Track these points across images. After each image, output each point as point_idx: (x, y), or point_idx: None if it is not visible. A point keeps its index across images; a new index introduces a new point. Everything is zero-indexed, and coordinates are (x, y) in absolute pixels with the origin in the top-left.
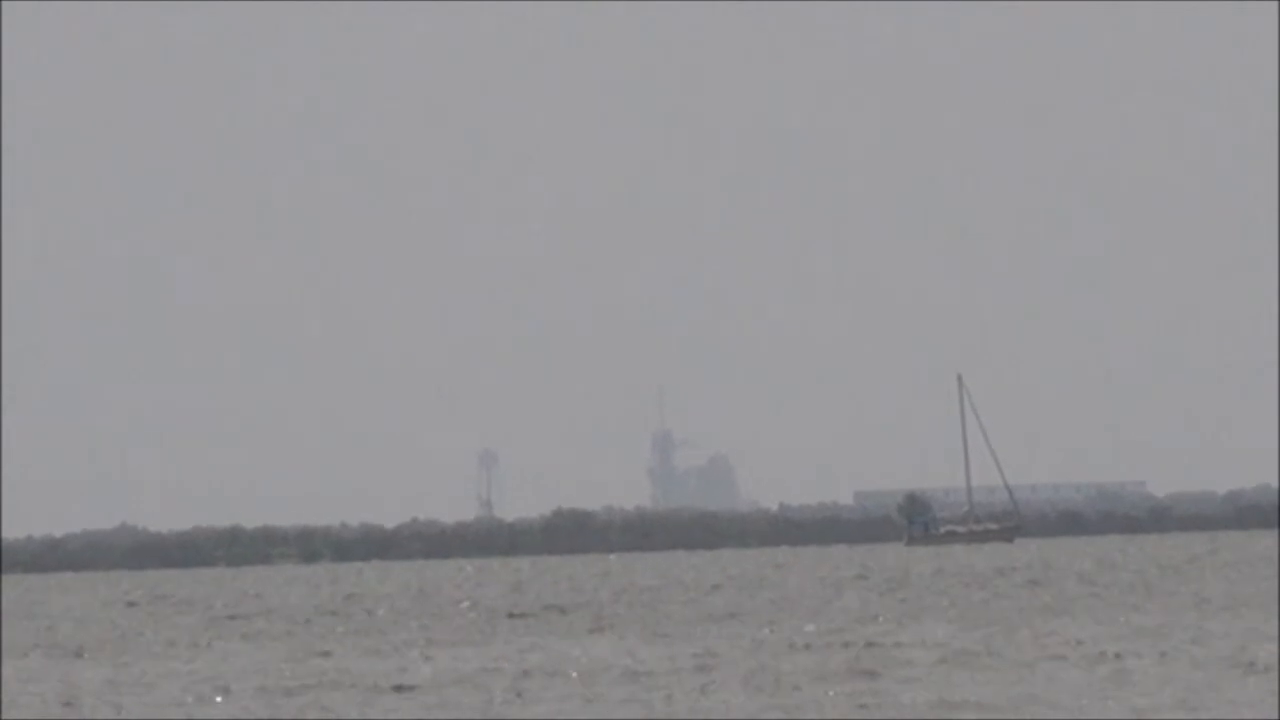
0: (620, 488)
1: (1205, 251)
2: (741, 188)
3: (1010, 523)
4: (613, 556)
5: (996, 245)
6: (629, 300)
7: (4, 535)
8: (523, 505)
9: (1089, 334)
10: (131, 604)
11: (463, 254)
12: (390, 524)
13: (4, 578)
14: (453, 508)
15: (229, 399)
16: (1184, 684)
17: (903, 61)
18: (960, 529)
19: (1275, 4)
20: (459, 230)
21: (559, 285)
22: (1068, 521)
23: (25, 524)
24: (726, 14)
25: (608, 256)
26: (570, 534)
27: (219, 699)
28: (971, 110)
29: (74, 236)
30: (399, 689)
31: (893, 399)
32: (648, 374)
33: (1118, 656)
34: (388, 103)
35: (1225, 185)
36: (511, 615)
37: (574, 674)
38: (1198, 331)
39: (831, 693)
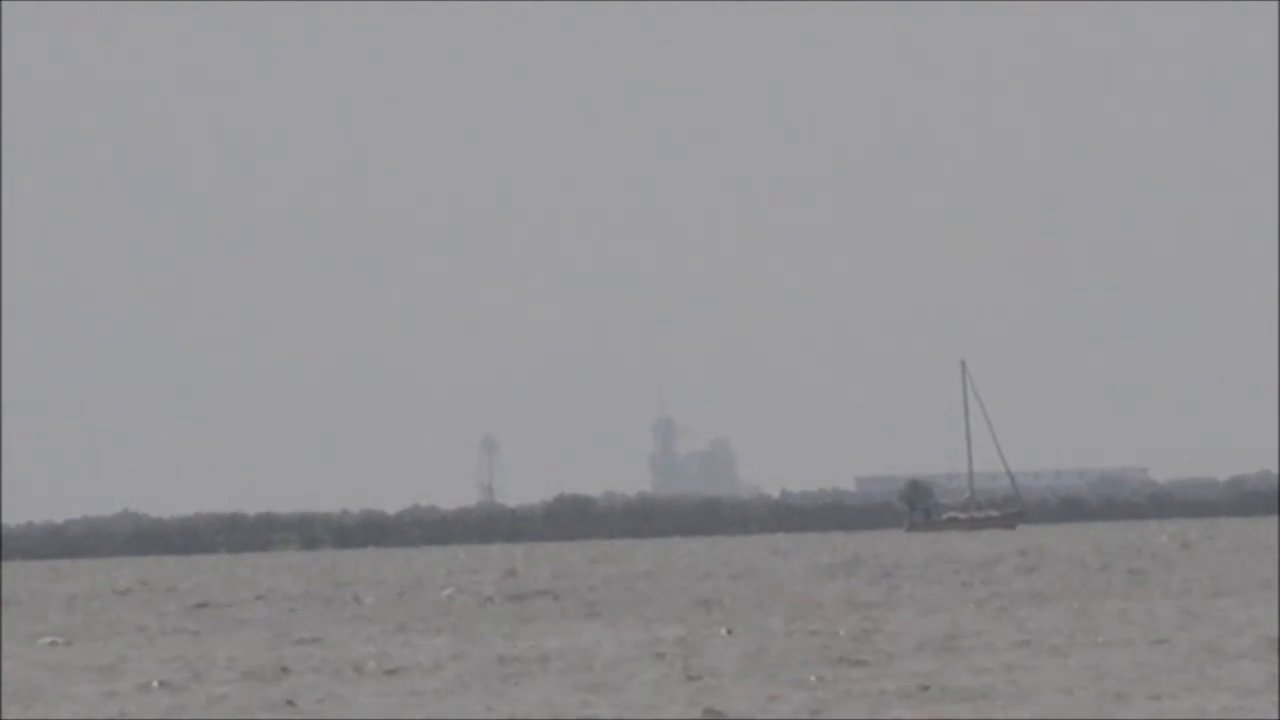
0: (621, 474)
1: (1208, 238)
2: (742, 175)
3: (1012, 509)
4: (603, 543)
5: (1000, 232)
6: (630, 286)
7: (5, 522)
8: (524, 491)
9: (1091, 320)
10: (119, 591)
11: (463, 244)
12: (392, 510)
13: (4, 564)
14: (454, 494)
15: (230, 386)
16: (1170, 671)
17: (905, 52)
18: (962, 516)
19: (1275, 4)
20: (459, 221)
21: (560, 272)
22: (1069, 508)
23: (26, 511)
24: (725, 14)
25: (609, 244)
26: (571, 520)
27: (197, 683)
28: (974, 98)
29: (73, 230)
30: (380, 675)
31: (895, 385)
32: (649, 360)
33: (1102, 644)
34: (391, 101)
35: (1227, 174)
36: (493, 601)
37: (556, 661)
38: (1200, 318)
39: (813, 678)
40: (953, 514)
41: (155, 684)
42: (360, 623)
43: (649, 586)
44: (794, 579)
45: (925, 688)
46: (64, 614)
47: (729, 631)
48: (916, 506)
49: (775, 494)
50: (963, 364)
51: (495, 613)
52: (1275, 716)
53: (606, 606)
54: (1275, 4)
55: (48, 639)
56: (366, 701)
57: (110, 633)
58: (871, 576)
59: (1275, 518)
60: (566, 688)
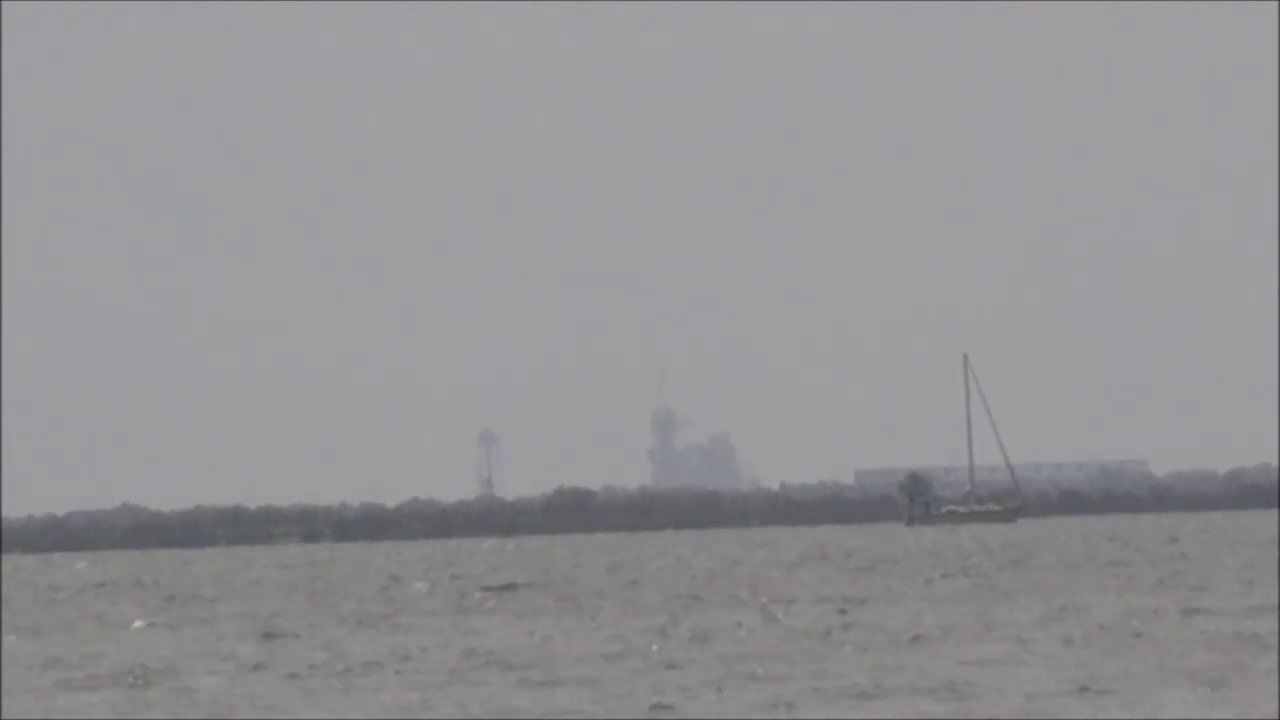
0: (621, 467)
1: (1208, 238)
2: (743, 168)
3: (1013, 503)
4: (600, 537)
5: (1000, 232)
6: (630, 284)
7: (4, 515)
8: (524, 485)
9: (1091, 315)
10: (102, 584)
11: (464, 236)
12: (391, 503)
13: (3, 557)
14: (454, 487)
15: (230, 381)
16: (1148, 664)
17: (905, 52)
18: (961, 509)
19: (1275, 4)
20: (460, 213)
21: (560, 271)
22: (1069, 501)
23: (26, 503)
24: (725, 14)
25: (608, 236)
26: (571, 513)
27: (161, 678)
28: (974, 98)
29: (73, 230)
30: (345, 670)
31: (894, 380)
32: (648, 352)
33: (1081, 638)
34: (391, 101)
35: (1227, 174)
36: (470, 595)
37: (521, 655)
38: (1200, 315)
39: (764, 671)
40: (952, 507)
41: (108, 677)
42: (335, 617)
43: (630, 580)
44: (777, 573)
45: (892, 682)
46: (42, 607)
47: (699, 626)
48: (916, 499)
49: (775, 487)
50: (965, 357)
51: (470, 606)
52: (1275, 717)
53: (583, 600)
54: (1275, 4)
55: (10, 634)
56: (331, 696)
57: (80, 626)
58: (857, 570)
59: (1275, 511)
60: (527, 682)
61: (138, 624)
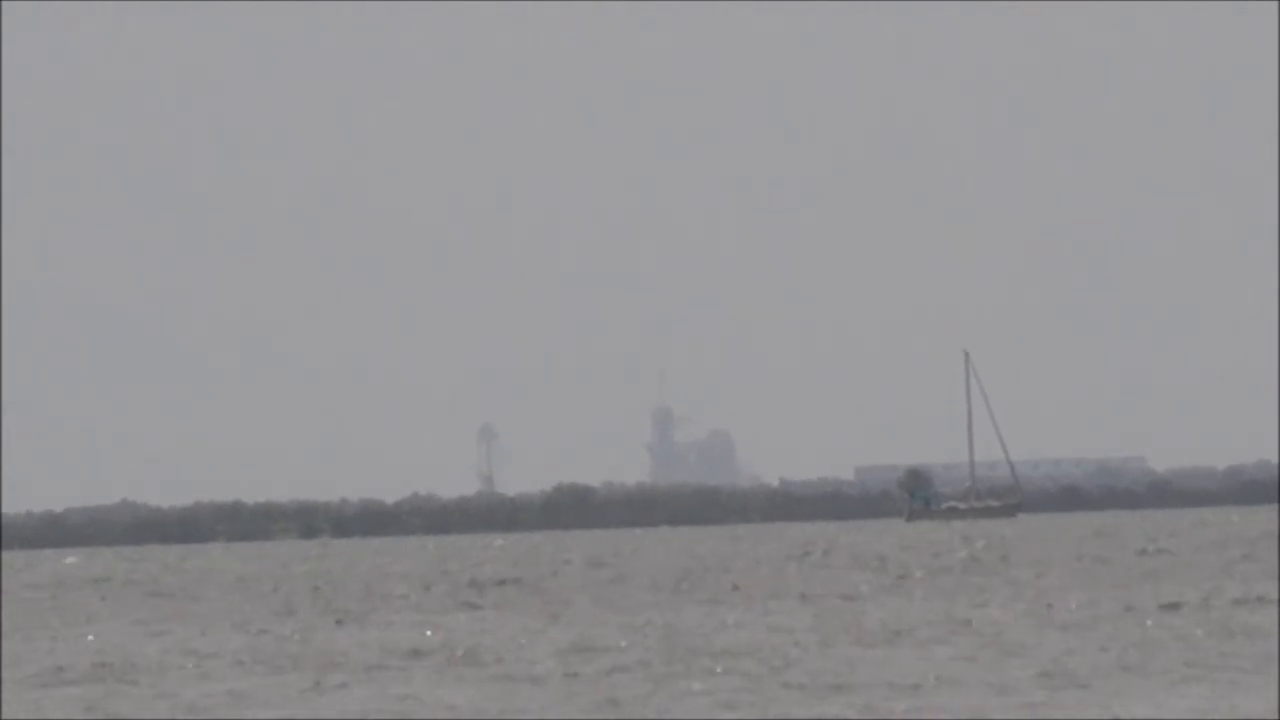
0: (621, 463)
1: (1207, 231)
2: (742, 163)
3: (1013, 499)
4: (599, 533)
5: (1000, 232)
6: (629, 275)
7: (4, 511)
8: (524, 480)
9: (1090, 312)
10: (90, 581)
11: (464, 236)
12: (391, 499)
13: (3, 554)
14: (453, 483)
15: (231, 378)
16: (1130, 663)
17: (905, 52)
18: (961, 505)
19: (1275, 4)
20: (460, 213)
21: (560, 271)
22: (1069, 497)
23: (25, 499)
24: (725, 14)
25: (608, 233)
26: (571, 509)
27: (135, 675)
28: (974, 98)
29: (73, 230)
30: (324, 666)
31: (894, 376)
32: (648, 348)
33: (1048, 636)
34: (391, 101)
35: (1227, 174)
36: (454, 594)
37: (487, 654)
38: (1199, 307)
39: (737, 666)
40: (952, 503)
41: (91, 675)
42: (317, 613)
43: (615, 576)
44: (763, 569)
45: (867, 678)
46: (24, 603)
47: (676, 622)
48: (916, 495)
49: (775, 483)
50: (966, 354)
51: (454, 603)
52: (1275, 717)
53: (564, 596)
54: (1275, 4)
55: None
56: (310, 692)
57: (60, 623)
58: (843, 567)
59: (1274, 507)
60: (498, 678)
61: (118, 620)
